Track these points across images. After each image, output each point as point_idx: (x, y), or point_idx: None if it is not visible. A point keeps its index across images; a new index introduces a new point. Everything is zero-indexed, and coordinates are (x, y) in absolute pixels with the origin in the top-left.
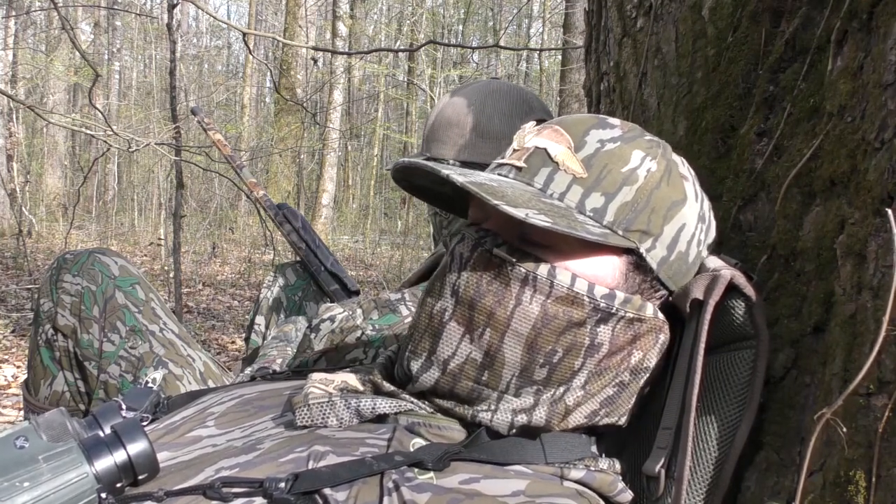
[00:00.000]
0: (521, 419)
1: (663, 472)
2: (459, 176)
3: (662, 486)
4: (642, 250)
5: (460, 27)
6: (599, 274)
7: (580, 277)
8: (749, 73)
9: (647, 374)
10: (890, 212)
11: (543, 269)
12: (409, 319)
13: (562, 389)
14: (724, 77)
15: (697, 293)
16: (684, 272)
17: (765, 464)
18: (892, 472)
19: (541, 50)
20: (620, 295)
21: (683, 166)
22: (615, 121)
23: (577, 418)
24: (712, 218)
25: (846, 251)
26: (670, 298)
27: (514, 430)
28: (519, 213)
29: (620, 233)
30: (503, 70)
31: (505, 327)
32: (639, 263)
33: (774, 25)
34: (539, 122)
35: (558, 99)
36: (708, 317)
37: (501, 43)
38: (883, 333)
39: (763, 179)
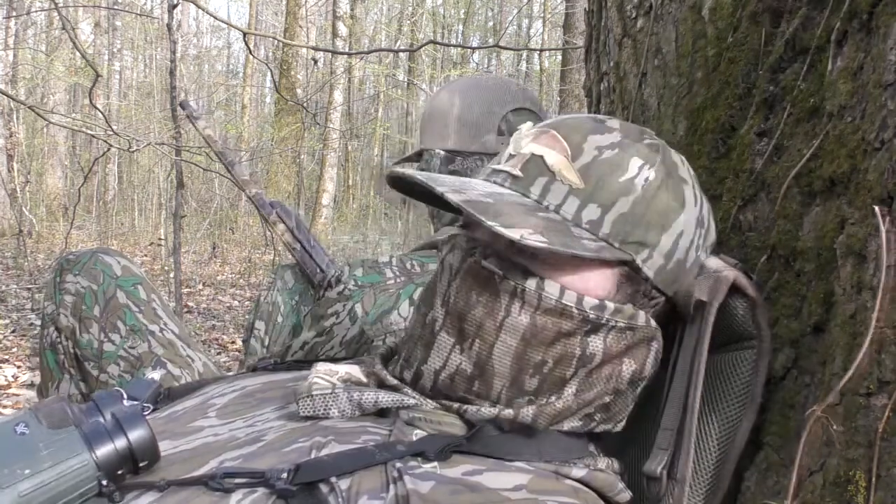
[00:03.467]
0: (507, 414)
1: (665, 472)
2: (454, 194)
3: (664, 486)
4: (638, 261)
5: (460, 27)
6: (590, 286)
7: (569, 290)
8: (749, 74)
9: (645, 383)
10: (878, 210)
11: (532, 283)
12: (391, 281)
13: (553, 398)
14: (724, 77)
15: (701, 295)
16: (681, 277)
17: (765, 464)
18: (892, 472)
19: (541, 50)
20: (610, 305)
21: (683, 167)
22: (614, 122)
23: (571, 422)
24: (711, 220)
25: (846, 251)
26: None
27: (501, 422)
28: (514, 234)
29: (616, 245)
30: (503, 70)
31: (494, 339)
32: (632, 274)
33: (774, 25)
34: (527, 111)
35: (558, 99)
36: (712, 319)
37: (501, 43)
38: (871, 333)
39: (763, 179)
